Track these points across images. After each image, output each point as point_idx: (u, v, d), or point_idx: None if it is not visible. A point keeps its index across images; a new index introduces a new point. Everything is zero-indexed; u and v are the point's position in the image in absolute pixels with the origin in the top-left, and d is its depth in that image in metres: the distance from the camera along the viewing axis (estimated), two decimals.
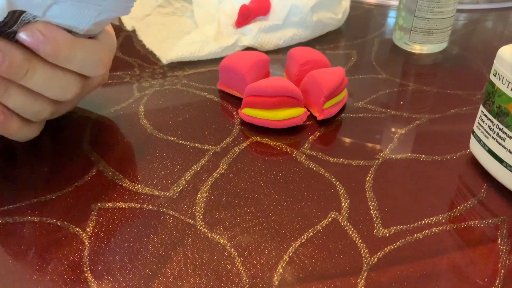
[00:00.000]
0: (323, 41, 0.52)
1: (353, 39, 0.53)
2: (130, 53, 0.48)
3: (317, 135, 0.36)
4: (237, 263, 0.26)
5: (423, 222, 0.29)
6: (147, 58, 0.47)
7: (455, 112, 0.40)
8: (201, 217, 0.29)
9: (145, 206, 0.30)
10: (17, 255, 0.26)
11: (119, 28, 0.54)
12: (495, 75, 0.30)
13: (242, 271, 0.26)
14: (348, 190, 0.31)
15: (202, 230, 0.28)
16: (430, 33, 0.48)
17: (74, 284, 0.25)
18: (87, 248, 0.27)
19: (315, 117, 0.38)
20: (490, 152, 0.31)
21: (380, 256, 0.27)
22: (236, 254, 0.27)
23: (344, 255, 0.27)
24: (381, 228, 0.28)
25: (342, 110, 0.40)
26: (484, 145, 0.32)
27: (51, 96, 0.29)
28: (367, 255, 0.27)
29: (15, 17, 0.26)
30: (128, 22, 0.54)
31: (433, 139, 0.36)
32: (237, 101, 0.41)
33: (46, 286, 0.25)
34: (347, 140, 0.36)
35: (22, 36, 0.26)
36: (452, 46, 0.52)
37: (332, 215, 0.29)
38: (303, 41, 0.51)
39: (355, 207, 0.30)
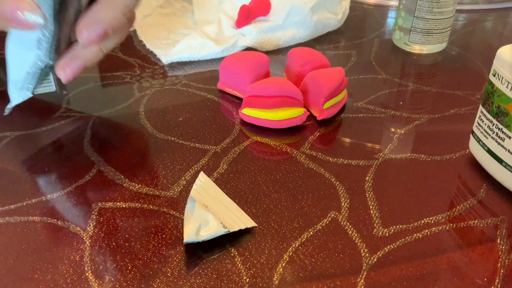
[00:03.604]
0: (323, 41, 0.52)
1: (353, 39, 0.53)
2: (131, 53, 0.49)
3: (317, 135, 0.37)
4: (238, 262, 0.26)
5: (422, 221, 0.29)
6: (148, 58, 0.48)
7: (454, 112, 0.40)
8: None
9: (145, 205, 0.30)
10: (18, 254, 0.26)
11: None
12: (494, 75, 0.30)
13: (242, 271, 0.26)
14: (348, 190, 0.31)
15: None
16: (429, 33, 0.48)
17: (75, 283, 0.25)
18: (87, 247, 0.27)
19: (315, 117, 0.38)
20: (490, 152, 0.31)
21: (380, 255, 0.27)
22: (236, 254, 0.27)
23: (344, 254, 0.27)
24: (380, 227, 0.29)
25: (342, 110, 0.40)
26: (483, 145, 0.32)
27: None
28: (367, 254, 0.27)
29: None
30: None
31: (433, 139, 0.36)
32: (237, 101, 0.41)
33: (47, 285, 0.25)
34: (347, 140, 0.36)
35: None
36: (451, 46, 0.52)
37: (332, 215, 0.29)
38: (303, 41, 0.51)
39: (355, 206, 0.30)
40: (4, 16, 0.28)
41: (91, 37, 0.30)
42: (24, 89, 0.32)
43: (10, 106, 0.32)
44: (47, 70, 0.31)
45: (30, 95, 0.32)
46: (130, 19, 0.33)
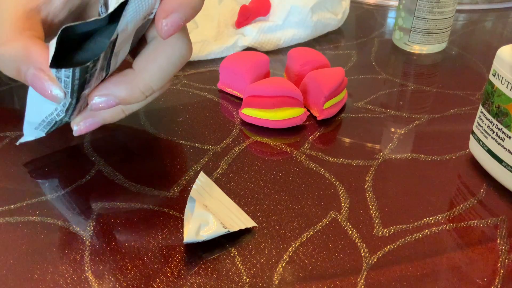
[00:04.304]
0: (323, 41, 0.52)
1: (353, 39, 0.53)
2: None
3: (317, 135, 0.37)
4: (238, 262, 0.26)
5: (422, 221, 0.29)
6: None
7: (454, 112, 0.40)
8: None
9: (145, 206, 0.30)
10: (18, 254, 0.26)
11: None
12: (494, 75, 0.30)
13: (242, 271, 0.26)
14: (348, 190, 0.31)
15: None
16: (429, 33, 0.48)
17: (75, 283, 0.25)
18: (87, 247, 0.27)
19: (315, 117, 0.38)
20: (490, 152, 0.31)
21: (380, 255, 0.27)
22: (236, 253, 0.27)
23: (344, 254, 0.27)
24: (380, 227, 0.29)
25: (342, 110, 0.40)
26: (483, 145, 0.32)
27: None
28: (367, 254, 0.27)
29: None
30: None
31: (433, 139, 0.36)
32: (237, 101, 0.41)
33: (47, 285, 0.25)
34: (347, 140, 0.36)
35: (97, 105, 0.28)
36: (451, 46, 0.52)
37: (332, 215, 0.29)
38: (303, 41, 0.51)
39: (355, 206, 0.30)
40: (25, 79, 0.27)
41: (101, 106, 0.28)
42: (38, 130, 0.31)
43: (22, 140, 0.32)
44: (63, 123, 0.31)
45: (43, 134, 0.32)
46: (162, 87, 0.31)
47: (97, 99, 0.28)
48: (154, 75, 0.28)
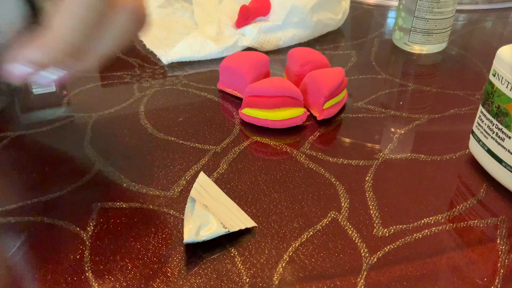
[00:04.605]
0: (323, 41, 0.52)
1: (353, 39, 0.53)
2: (131, 54, 0.49)
3: (317, 135, 0.37)
4: (238, 262, 0.26)
5: (422, 222, 0.29)
6: (148, 59, 0.48)
7: (454, 112, 0.40)
8: None
9: (145, 205, 0.30)
10: (18, 254, 0.26)
11: None
12: (494, 75, 0.30)
13: (242, 271, 0.26)
14: (348, 190, 0.31)
15: None
16: (429, 33, 0.48)
17: (75, 283, 0.25)
18: (87, 247, 0.27)
19: (315, 117, 0.38)
20: (490, 152, 0.31)
21: (380, 255, 0.27)
22: (236, 254, 0.27)
23: (344, 254, 0.27)
24: (380, 227, 0.29)
25: (342, 110, 0.40)
26: (483, 145, 0.32)
27: None
28: (367, 254, 0.27)
29: None
30: None
31: (433, 139, 0.36)
32: (237, 101, 0.41)
33: (47, 285, 0.25)
34: (347, 140, 0.36)
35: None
36: (451, 46, 0.52)
37: (332, 215, 0.29)
38: (303, 41, 0.51)
39: (355, 207, 0.30)
40: None
41: (20, 74, 0.24)
42: None
43: None
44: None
45: None
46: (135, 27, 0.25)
47: (12, 67, 0.24)
48: (72, 28, 0.24)
